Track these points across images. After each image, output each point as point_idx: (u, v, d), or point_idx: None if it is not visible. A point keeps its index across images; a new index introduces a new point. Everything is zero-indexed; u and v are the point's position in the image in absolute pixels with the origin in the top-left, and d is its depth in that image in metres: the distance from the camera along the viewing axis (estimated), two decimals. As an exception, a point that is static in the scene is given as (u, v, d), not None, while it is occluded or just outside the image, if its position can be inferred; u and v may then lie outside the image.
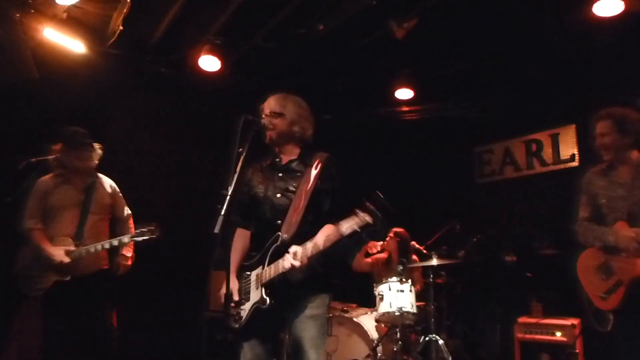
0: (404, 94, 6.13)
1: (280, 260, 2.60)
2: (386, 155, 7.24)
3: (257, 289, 2.69)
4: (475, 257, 5.54)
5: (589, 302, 3.41)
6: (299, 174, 2.82)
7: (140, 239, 3.73)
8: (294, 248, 2.56)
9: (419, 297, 4.84)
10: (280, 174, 2.86)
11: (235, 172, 2.49)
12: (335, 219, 2.70)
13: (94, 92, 5.34)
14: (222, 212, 2.30)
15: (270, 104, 2.88)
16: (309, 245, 2.54)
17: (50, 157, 3.83)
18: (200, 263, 4.79)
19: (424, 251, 5.35)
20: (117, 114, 5.68)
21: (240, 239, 2.94)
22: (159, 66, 5.75)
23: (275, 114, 2.84)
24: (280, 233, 2.67)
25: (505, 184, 6.54)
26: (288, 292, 2.66)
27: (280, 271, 2.59)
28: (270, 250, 2.68)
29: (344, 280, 4.79)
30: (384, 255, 5.42)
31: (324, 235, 2.54)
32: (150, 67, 5.71)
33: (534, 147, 6.27)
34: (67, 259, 3.60)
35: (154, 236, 3.76)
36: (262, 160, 2.97)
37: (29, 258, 3.68)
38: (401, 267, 4.87)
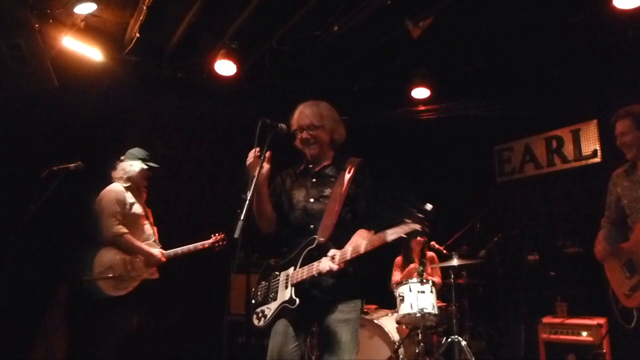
0: (421, 93, 6.09)
1: (315, 263, 2.57)
2: (405, 156, 7.20)
3: (286, 288, 2.67)
4: (497, 256, 5.47)
5: (616, 299, 3.40)
6: (332, 179, 2.81)
7: (217, 245, 4.25)
8: (332, 251, 2.54)
9: (440, 298, 4.79)
10: (314, 180, 2.85)
11: (254, 176, 2.48)
12: (369, 223, 2.70)
13: (113, 99, 5.40)
14: (242, 217, 2.29)
15: (308, 116, 2.82)
16: (349, 249, 2.51)
17: (71, 165, 3.87)
18: (221, 267, 4.81)
19: (444, 251, 5.30)
20: (135, 119, 5.74)
21: None
22: (176, 72, 5.80)
23: (315, 127, 2.81)
24: (316, 236, 2.65)
25: (526, 182, 6.46)
26: (321, 296, 2.64)
27: (314, 273, 2.55)
28: (304, 252, 2.66)
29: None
30: (415, 265, 5.34)
31: (366, 240, 2.51)
32: (167, 72, 5.76)
33: (554, 143, 6.19)
34: (163, 259, 4.09)
35: (225, 244, 4.26)
36: (294, 165, 2.97)
37: (116, 260, 3.90)
38: (421, 268, 4.83)
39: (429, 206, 2.42)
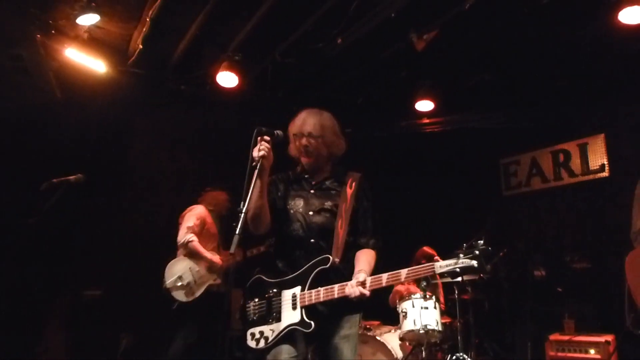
0: (425, 105, 6.05)
1: (336, 286, 2.46)
2: (410, 169, 7.14)
3: (294, 309, 2.54)
4: (503, 271, 5.38)
5: (631, 302, 3.35)
6: (333, 191, 2.73)
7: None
8: (362, 276, 2.44)
9: (444, 313, 4.69)
10: (313, 191, 2.75)
11: (249, 187, 2.40)
12: (372, 241, 2.66)
13: (116, 111, 5.40)
14: (237, 231, 2.20)
15: (310, 124, 2.71)
16: (385, 276, 2.41)
17: (71, 177, 3.84)
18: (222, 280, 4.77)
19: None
20: (139, 131, 5.74)
21: None
22: (179, 83, 5.80)
23: (315, 137, 2.71)
24: (330, 256, 2.53)
25: (533, 196, 6.38)
26: (325, 310, 2.55)
27: (335, 296, 2.45)
28: (314, 271, 2.54)
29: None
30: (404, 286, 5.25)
31: (407, 269, 2.39)
32: (170, 84, 5.77)
33: (561, 157, 6.11)
34: (224, 265, 4.69)
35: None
36: (287, 171, 2.85)
37: (185, 270, 4.50)
38: (424, 283, 4.74)
39: (482, 242, 2.27)
